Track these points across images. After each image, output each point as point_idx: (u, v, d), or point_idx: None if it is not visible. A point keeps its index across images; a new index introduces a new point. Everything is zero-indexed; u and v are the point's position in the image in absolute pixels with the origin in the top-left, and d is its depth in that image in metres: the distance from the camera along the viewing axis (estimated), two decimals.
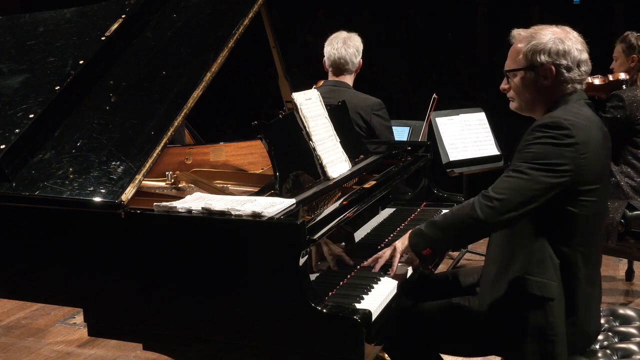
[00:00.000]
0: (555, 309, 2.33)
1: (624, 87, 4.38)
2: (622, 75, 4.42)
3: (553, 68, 2.39)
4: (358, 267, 2.60)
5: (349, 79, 3.91)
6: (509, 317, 2.38)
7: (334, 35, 3.95)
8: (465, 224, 2.37)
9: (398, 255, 2.50)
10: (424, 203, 3.45)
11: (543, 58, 2.38)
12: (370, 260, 2.58)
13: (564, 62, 2.38)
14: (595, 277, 2.46)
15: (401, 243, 2.51)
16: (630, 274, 5.06)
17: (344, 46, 3.86)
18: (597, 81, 4.47)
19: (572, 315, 2.38)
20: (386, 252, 2.54)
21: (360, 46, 3.92)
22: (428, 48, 10.22)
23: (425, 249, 2.46)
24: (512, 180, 2.30)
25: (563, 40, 2.40)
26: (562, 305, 2.35)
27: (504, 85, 2.52)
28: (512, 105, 2.54)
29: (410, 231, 2.52)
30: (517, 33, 2.49)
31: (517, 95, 2.49)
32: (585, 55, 2.42)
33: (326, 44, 3.94)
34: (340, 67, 3.88)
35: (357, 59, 3.90)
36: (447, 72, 9.74)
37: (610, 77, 4.47)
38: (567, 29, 2.46)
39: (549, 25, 2.47)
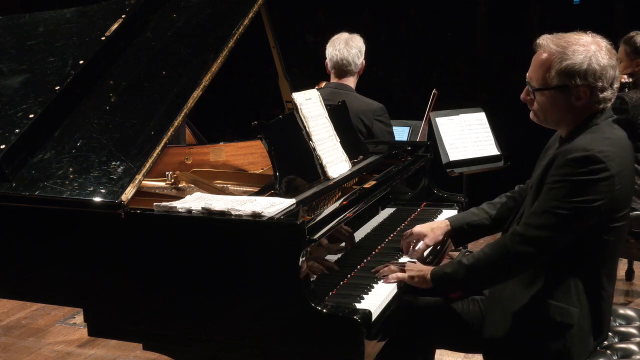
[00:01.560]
0: (575, 335, 2.31)
1: (626, 90, 4.35)
2: (625, 78, 4.38)
3: (588, 91, 2.26)
4: (358, 267, 2.60)
5: (351, 81, 3.88)
6: (526, 339, 2.36)
7: (335, 36, 3.91)
8: (499, 266, 2.32)
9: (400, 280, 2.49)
10: (424, 203, 3.45)
11: (578, 81, 2.24)
12: (380, 268, 2.55)
13: (599, 84, 2.25)
14: (613, 290, 2.45)
15: (417, 278, 2.46)
16: (630, 274, 5.05)
17: (346, 47, 3.82)
18: None
19: (599, 335, 2.38)
20: (392, 275, 2.50)
21: (363, 47, 3.88)
22: (428, 48, 10.22)
23: (454, 292, 2.44)
24: (545, 219, 2.23)
25: (598, 58, 2.24)
26: (582, 332, 2.33)
27: (525, 96, 2.38)
28: (535, 119, 2.40)
29: (431, 271, 2.45)
30: (546, 43, 2.32)
31: (541, 111, 2.36)
32: (617, 70, 2.29)
33: (328, 45, 3.90)
34: (342, 68, 3.85)
35: (360, 60, 3.86)
36: (447, 72, 9.74)
37: None
38: (598, 38, 2.31)
39: (577, 33, 2.32)
